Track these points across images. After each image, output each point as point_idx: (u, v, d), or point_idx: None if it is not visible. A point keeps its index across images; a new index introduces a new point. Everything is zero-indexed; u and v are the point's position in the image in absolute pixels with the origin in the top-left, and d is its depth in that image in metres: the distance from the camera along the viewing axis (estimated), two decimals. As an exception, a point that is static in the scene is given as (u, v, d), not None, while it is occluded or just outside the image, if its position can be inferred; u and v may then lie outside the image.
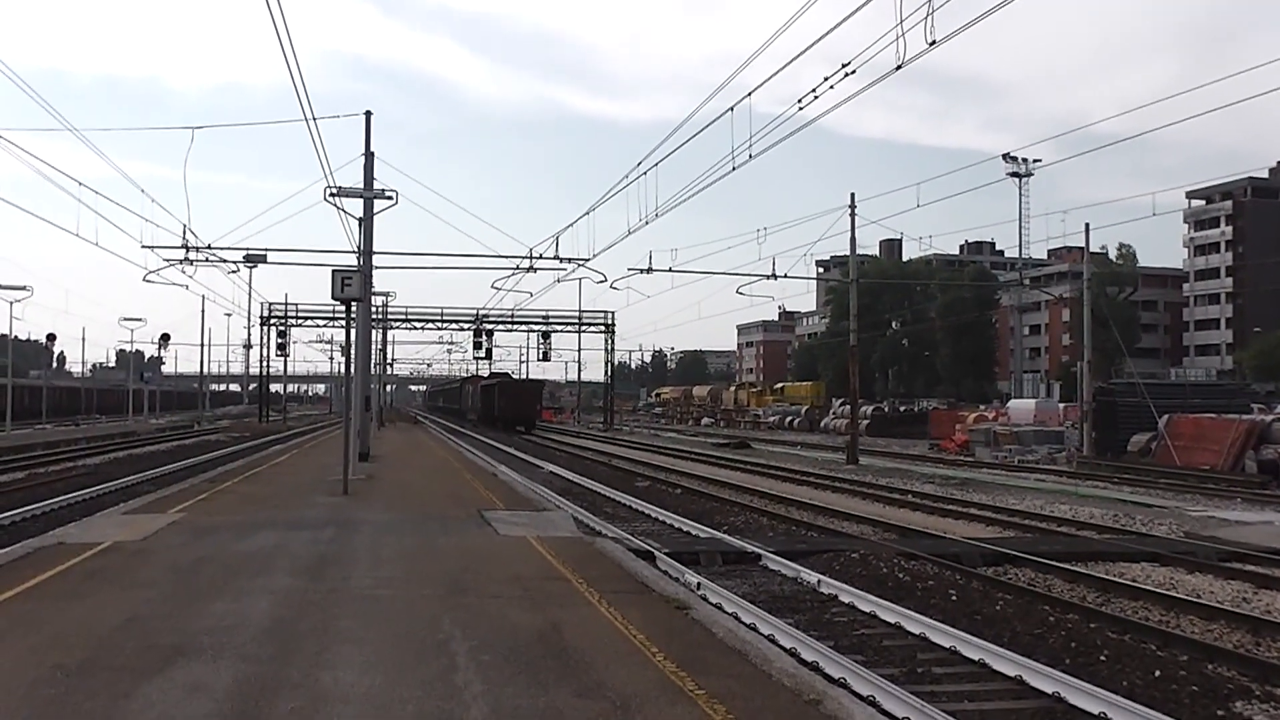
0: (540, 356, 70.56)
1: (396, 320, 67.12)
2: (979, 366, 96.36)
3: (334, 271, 17.63)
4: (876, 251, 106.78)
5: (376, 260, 26.03)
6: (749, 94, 17.07)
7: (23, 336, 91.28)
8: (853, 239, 35.67)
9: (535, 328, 70.11)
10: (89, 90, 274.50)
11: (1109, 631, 9.27)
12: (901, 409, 66.05)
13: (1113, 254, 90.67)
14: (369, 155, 24.43)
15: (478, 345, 60.07)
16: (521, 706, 5.38)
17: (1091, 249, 40.19)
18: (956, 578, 11.79)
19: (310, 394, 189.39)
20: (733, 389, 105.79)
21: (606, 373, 78.42)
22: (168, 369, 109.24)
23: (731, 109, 17.92)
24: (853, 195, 34.85)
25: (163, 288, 40.35)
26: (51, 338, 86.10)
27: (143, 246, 28.38)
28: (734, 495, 21.80)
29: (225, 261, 31.26)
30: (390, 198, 24.01)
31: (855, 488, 23.82)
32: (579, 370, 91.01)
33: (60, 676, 5.80)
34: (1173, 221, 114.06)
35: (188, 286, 39.30)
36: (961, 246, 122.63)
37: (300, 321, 68.66)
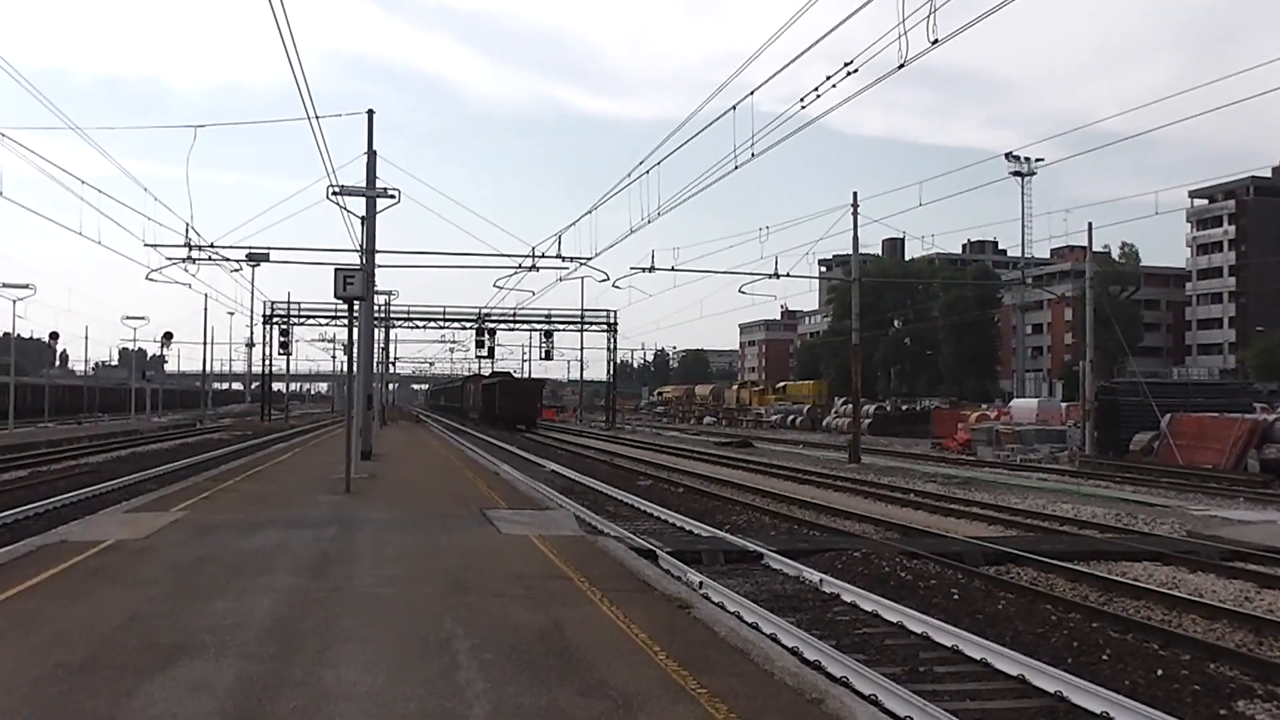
0: (543, 355, 70.57)
1: (399, 319, 67.27)
2: (981, 365, 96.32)
3: (336, 270, 17.64)
4: (879, 250, 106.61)
5: (379, 259, 26.05)
6: (751, 93, 17.08)
7: (26, 335, 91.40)
8: (855, 238, 35.67)
9: (537, 327, 70.13)
10: (91, 89, 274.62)
11: (1111, 631, 9.25)
12: (904, 408, 66.01)
13: (1115, 253, 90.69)
14: (371, 153, 24.44)
15: (480, 344, 59.99)
16: (524, 705, 5.38)
17: (1094, 248, 40.19)
18: (959, 577, 11.78)
19: (312, 393, 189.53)
20: (735, 388, 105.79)
21: (609, 371, 78.53)
22: (170, 367, 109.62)
23: (733, 108, 17.94)
24: (855, 194, 34.82)
25: (165, 286, 40.33)
26: (54, 336, 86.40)
27: (145, 245, 28.43)
28: (736, 494, 21.80)
29: (228, 260, 31.34)
30: (393, 196, 24.01)
31: (857, 487, 23.81)
32: (581, 369, 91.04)
33: (63, 675, 5.81)
34: (1175, 220, 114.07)
35: (190, 285, 39.28)
36: (964, 245, 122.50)
37: (303, 320, 68.77)
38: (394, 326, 67.60)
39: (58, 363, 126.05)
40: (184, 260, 29.35)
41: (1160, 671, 7.89)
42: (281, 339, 64.13)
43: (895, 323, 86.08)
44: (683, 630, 7.28)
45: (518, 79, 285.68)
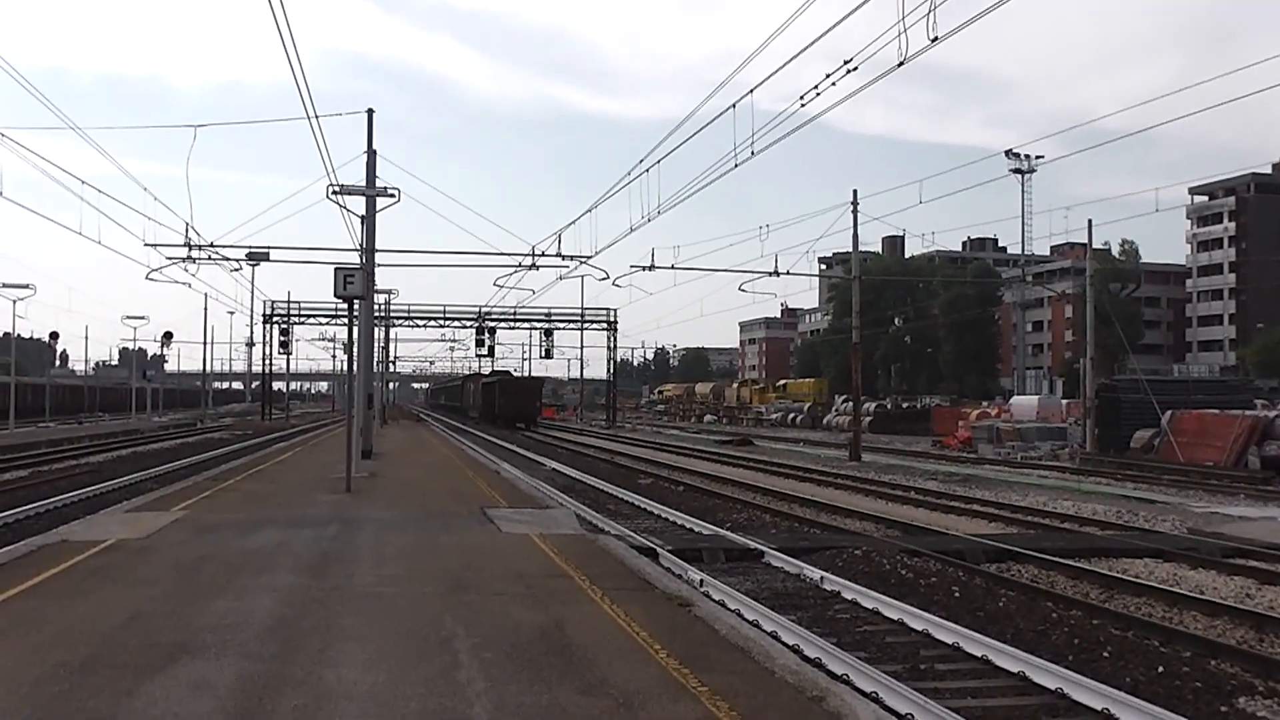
0: (543, 354, 70.56)
1: (399, 318, 67.29)
2: (982, 363, 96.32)
3: (336, 269, 17.64)
4: (879, 248, 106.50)
5: (379, 258, 26.06)
6: (750, 91, 17.04)
7: (26, 335, 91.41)
8: (855, 236, 35.68)
9: (537, 325, 70.15)
10: (91, 89, 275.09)
11: (1112, 628, 9.25)
12: (904, 406, 66.05)
13: (1115, 250, 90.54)
14: (371, 152, 24.45)
15: (480, 343, 60.00)
16: (524, 704, 5.38)
17: (1094, 245, 40.18)
18: (959, 574, 11.78)
19: (313, 392, 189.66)
20: (735, 386, 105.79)
21: (609, 370, 78.53)
22: (170, 367, 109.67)
23: (733, 106, 17.92)
24: (855, 192, 34.84)
25: (165, 286, 40.34)
26: (55, 336, 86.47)
27: (145, 245, 28.48)
28: (736, 492, 21.80)
29: (228, 259, 31.37)
30: (393, 195, 24.02)
31: (858, 484, 23.80)
32: (581, 368, 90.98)
33: (63, 674, 5.81)
34: (1175, 217, 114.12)
35: (190, 285, 39.29)
36: (964, 243, 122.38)
37: (303, 319, 68.82)
38: (394, 325, 67.71)
39: (58, 362, 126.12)
40: (184, 260, 29.42)
41: (1161, 668, 7.89)
42: (281, 338, 64.14)
43: (895, 321, 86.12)
44: (683, 628, 7.28)
45: (518, 78, 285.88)
